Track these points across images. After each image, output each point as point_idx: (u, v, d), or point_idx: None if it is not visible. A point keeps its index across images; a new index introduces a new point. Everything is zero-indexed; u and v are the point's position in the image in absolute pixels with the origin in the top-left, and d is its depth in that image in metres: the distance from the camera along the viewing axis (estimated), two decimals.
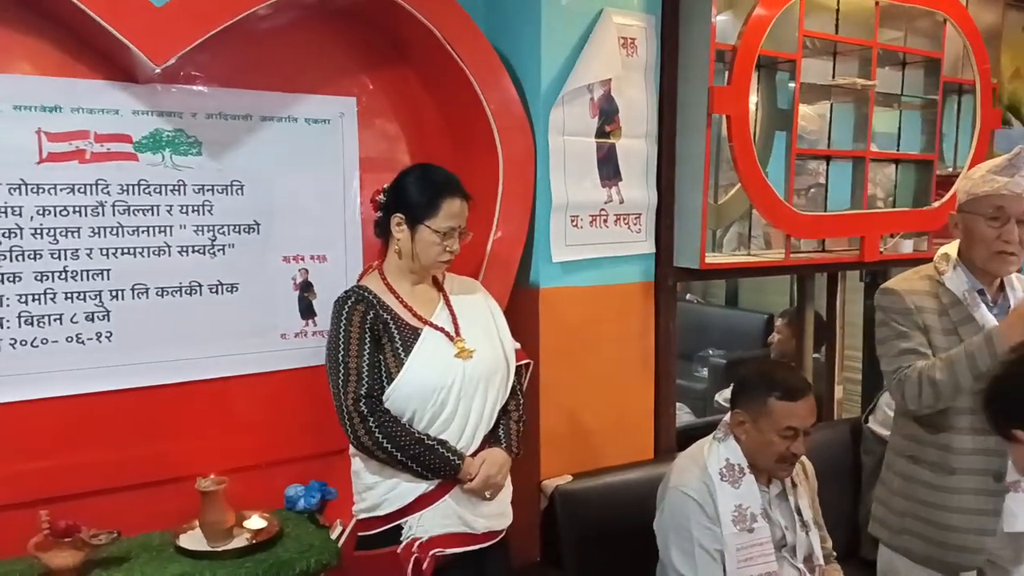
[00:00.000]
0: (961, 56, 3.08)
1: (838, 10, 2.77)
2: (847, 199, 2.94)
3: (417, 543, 1.87)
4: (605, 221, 2.50)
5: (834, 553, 2.30)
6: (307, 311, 2.29)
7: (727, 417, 2.14)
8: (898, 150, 3.05)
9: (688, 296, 6.15)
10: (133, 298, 2.07)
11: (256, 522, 2.05)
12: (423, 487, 1.88)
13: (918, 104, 3.09)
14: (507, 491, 2.01)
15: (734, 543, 2.01)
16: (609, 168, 2.49)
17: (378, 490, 1.91)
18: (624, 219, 2.54)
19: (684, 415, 3.84)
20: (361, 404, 1.86)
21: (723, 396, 4.12)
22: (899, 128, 3.06)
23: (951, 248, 2.13)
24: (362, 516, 1.97)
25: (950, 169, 3.14)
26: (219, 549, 1.96)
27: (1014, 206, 1.98)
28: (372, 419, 1.85)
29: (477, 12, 2.37)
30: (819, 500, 2.26)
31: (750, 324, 5.57)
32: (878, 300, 2.13)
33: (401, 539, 1.89)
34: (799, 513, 2.14)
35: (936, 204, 3.01)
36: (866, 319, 3.58)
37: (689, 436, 2.80)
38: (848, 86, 2.81)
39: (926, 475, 2.07)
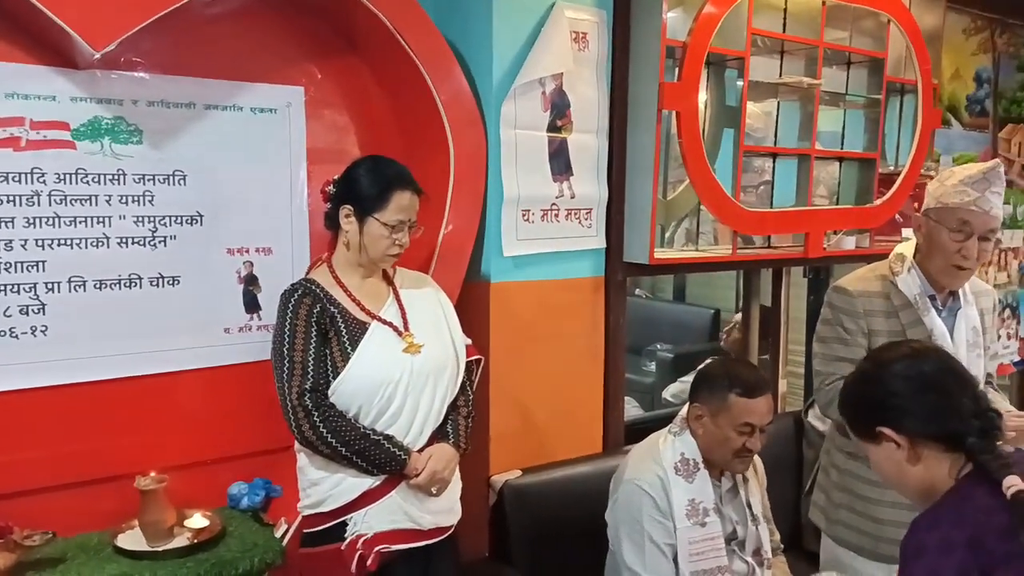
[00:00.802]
0: (904, 57, 3.15)
1: (786, 9, 2.81)
2: (794, 196, 2.99)
3: (362, 539, 1.85)
4: (556, 216, 2.50)
5: (781, 546, 2.34)
6: (252, 305, 2.24)
7: (683, 411, 2.16)
8: (842, 148, 3.11)
9: (637, 291, 6.20)
10: (70, 291, 2.00)
11: (198, 521, 2.00)
12: (369, 483, 1.86)
13: (862, 103, 3.15)
14: (455, 487, 2.00)
15: (686, 537, 2.03)
16: (560, 163, 2.49)
17: (323, 486, 1.89)
18: (575, 214, 2.54)
19: (632, 409, 3.87)
20: (306, 398, 1.83)
21: (670, 392, 4.17)
22: (843, 127, 3.12)
23: (907, 248, 2.13)
24: (307, 513, 1.94)
25: (892, 167, 3.21)
26: (159, 549, 1.91)
27: (979, 223, 1.97)
28: (317, 414, 1.82)
29: (428, 3, 2.34)
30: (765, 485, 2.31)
31: (697, 319, 5.65)
32: (830, 297, 2.15)
33: (346, 535, 1.86)
34: (749, 507, 2.17)
35: (878, 202, 3.07)
36: (809, 314, 3.65)
37: (637, 430, 2.83)
38: (795, 84, 2.86)
39: (862, 470, 2.10)
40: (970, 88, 3.88)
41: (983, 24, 3.90)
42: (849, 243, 3.08)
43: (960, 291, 2.11)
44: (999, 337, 2.02)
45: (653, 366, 5.05)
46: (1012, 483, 1.24)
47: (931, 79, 3.20)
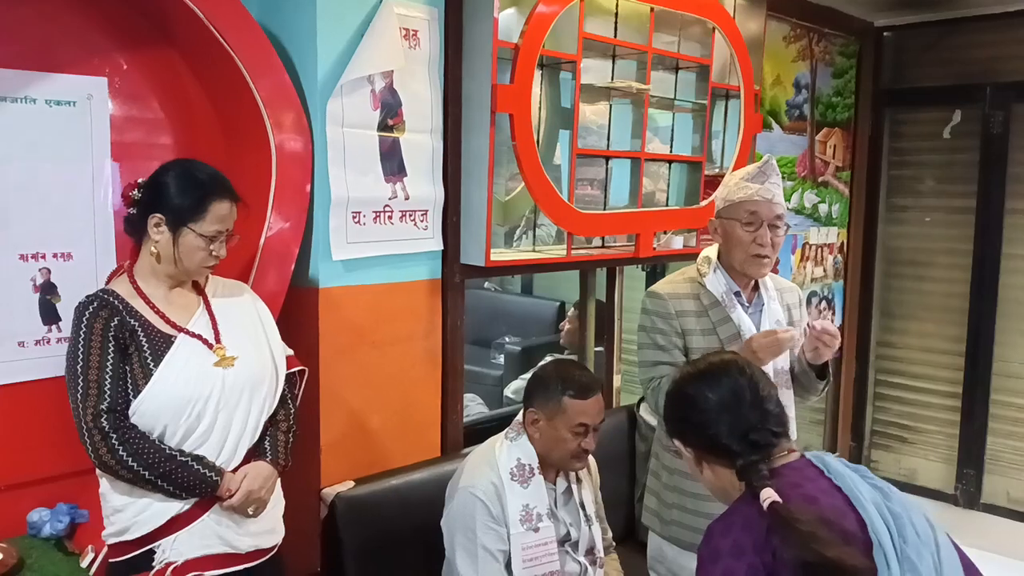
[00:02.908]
0: (728, 63, 3.29)
1: (617, 14, 2.86)
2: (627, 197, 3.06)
3: (171, 568, 1.74)
4: (390, 218, 2.44)
5: (613, 544, 2.40)
6: (50, 315, 2.05)
7: (520, 416, 2.17)
8: (671, 151, 3.21)
9: (486, 284, 6.23)
10: None
11: None
12: (178, 507, 1.75)
13: (690, 108, 3.27)
14: (277, 506, 1.92)
15: (520, 543, 2.05)
16: (393, 163, 2.42)
17: (127, 512, 1.76)
18: (410, 216, 2.49)
19: (476, 407, 3.87)
20: (102, 420, 1.70)
21: (511, 389, 4.20)
22: (672, 130, 3.22)
23: (712, 251, 2.25)
24: (112, 541, 1.81)
25: (717, 169, 3.35)
26: None
27: (766, 211, 2.12)
28: (115, 436, 1.69)
29: None
30: (598, 484, 2.35)
31: (544, 311, 5.73)
32: (644, 302, 2.24)
33: (154, 564, 1.75)
34: (583, 508, 2.21)
35: (704, 203, 3.20)
36: None
37: (479, 431, 2.82)
38: (625, 89, 2.91)
39: None
40: (790, 93, 4.11)
41: (802, 32, 4.14)
42: (678, 243, 3.19)
43: (764, 288, 2.24)
44: (806, 332, 2.18)
45: (502, 359, 5.09)
46: (767, 496, 1.36)
47: (753, 85, 3.36)
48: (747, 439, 1.46)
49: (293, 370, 2.00)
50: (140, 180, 1.84)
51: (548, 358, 4.18)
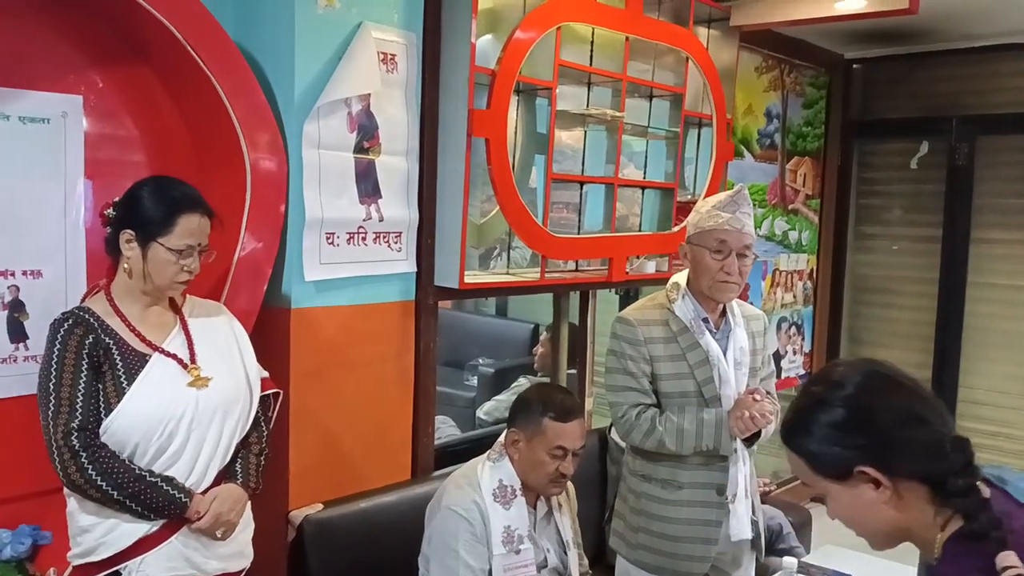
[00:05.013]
0: (701, 92, 3.35)
1: (592, 42, 2.91)
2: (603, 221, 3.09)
3: None
4: (364, 239, 2.44)
5: (589, 572, 2.39)
6: (17, 333, 2.02)
7: (502, 437, 2.18)
8: (645, 177, 3.25)
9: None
10: None
11: None
12: (145, 528, 1.73)
13: (663, 135, 3.31)
14: (246, 529, 1.90)
15: (501, 564, 2.05)
16: (368, 185, 2.43)
17: (95, 533, 1.74)
18: (384, 237, 2.49)
19: (448, 428, 3.85)
20: (72, 438, 1.68)
21: (484, 410, 4.19)
22: (645, 156, 3.26)
23: (681, 277, 2.28)
24: (77, 562, 1.78)
25: (689, 196, 3.39)
26: None
27: (735, 240, 2.15)
28: (85, 454, 1.68)
29: (226, 14, 2.22)
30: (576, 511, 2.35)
31: (518, 333, 5.73)
32: (614, 328, 2.26)
33: None
34: (561, 534, 2.21)
35: (676, 229, 3.24)
36: None
37: (451, 453, 2.82)
38: (600, 116, 2.95)
39: (657, 491, 2.22)
40: (761, 123, 4.19)
41: (773, 63, 4.23)
42: (650, 267, 3.23)
43: (731, 315, 2.27)
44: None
45: (475, 380, 5.08)
46: (1009, 563, 1.04)
47: (725, 114, 3.42)
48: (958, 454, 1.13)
49: (267, 392, 1.99)
50: (115, 199, 1.84)
51: (522, 380, 4.19)
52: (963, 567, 1.08)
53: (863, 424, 1.15)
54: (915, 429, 1.15)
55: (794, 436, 1.22)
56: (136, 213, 1.79)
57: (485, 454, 2.19)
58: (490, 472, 2.12)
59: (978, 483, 1.13)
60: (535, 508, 2.18)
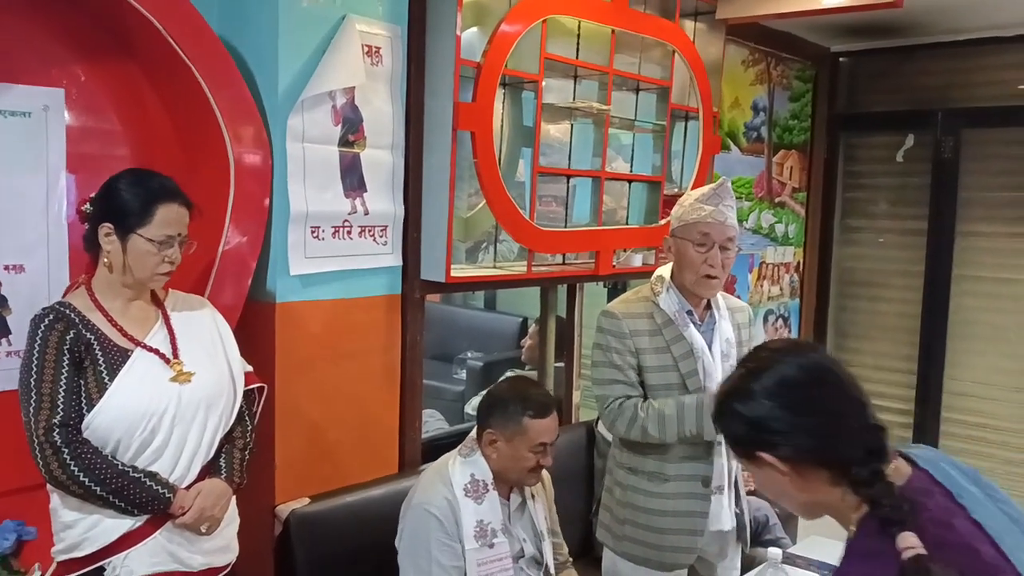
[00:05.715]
0: (688, 85, 3.35)
1: (579, 35, 2.90)
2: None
3: None
4: (349, 233, 2.44)
5: (570, 560, 2.41)
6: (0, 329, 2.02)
7: (473, 433, 2.18)
8: (632, 170, 3.25)
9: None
10: None
11: None
12: (129, 523, 1.73)
13: (650, 128, 3.32)
14: (231, 524, 1.90)
15: (475, 559, 2.05)
16: (353, 178, 2.42)
17: (78, 528, 1.73)
18: (369, 231, 2.49)
19: (436, 422, 3.86)
20: (54, 434, 1.67)
21: (471, 406, 4.20)
22: (632, 149, 3.27)
23: (665, 270, 2.29)
24: (61, 558, 1.77)
25: (676, 189, 3.39)
26: None
27: (718, 233, 2.16)
28: (67, 450, 1.67)
29: (209, 7, 2.20)
30: (557, 501, 2.37)
31: (507, 326, 5.74)
32: (599, 321, 2.26)
33: None
34: (536, 523, 2.22)
35: (662, 222, 3.24)
36: None
37: (439, 447, 2.81)
38: (586, 109, 2.95)
39: (644, 483, 2.23)
40: (748, 116, 4.19)
41: (760, 57, 4.23)
42: (637, 260, 3.23)
43: (715, 307, 2.28)
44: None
45: (464, 374, 5.08)
46: (907, 544, 1.07)
47: (711, 107, 3.43)
48: (862, 442, 1.16)
49: (252, 387, 1.98)
50: (92, 195, 1.82)
51: (509, 373, 4.20)
52: (871, 546, 1.13)
53: (754, 411, 1.22)
54: (806, 417, 1.19)
55: (716, 417, 1.32)
56: (114, 206, 1.78)
57: (456, 449, 2.19)
58: (461, 467, 2.12)
59: (889, 467, 1.17)
60: (508, 500, 2.18)
